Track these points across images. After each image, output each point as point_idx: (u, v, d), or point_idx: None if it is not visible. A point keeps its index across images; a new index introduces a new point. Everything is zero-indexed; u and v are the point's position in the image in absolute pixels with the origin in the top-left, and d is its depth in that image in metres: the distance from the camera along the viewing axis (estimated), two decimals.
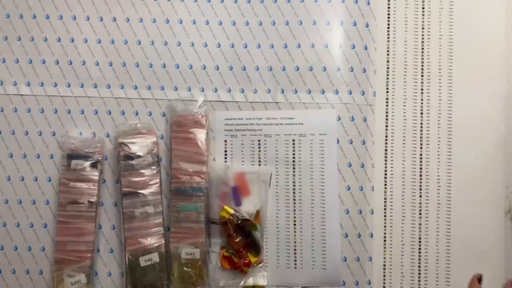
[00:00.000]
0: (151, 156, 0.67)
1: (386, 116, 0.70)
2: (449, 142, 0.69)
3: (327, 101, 0.69)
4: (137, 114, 0.70)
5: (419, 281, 0.69)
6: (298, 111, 0.69)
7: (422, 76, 0.70)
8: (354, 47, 0.70)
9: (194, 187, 0.66)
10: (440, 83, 0.70)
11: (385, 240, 0.69)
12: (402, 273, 0.69)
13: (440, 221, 0.69)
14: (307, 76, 0.70)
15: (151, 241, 0.66)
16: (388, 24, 0.70)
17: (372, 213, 0.69)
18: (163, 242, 0.66)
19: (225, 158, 0.69)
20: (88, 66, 0.70)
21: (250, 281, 0.67)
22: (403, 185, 0.69)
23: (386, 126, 0.70)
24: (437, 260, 0.69)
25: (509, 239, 0.68)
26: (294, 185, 0.69)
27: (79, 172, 0.66)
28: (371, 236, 0.69)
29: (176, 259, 0.66)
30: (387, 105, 0.70)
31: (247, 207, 0.67)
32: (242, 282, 0.67)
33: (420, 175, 0.69)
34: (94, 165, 0.66)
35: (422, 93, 0.70)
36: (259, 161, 0.69)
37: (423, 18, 0.70)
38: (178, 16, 0.70)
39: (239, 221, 0.66)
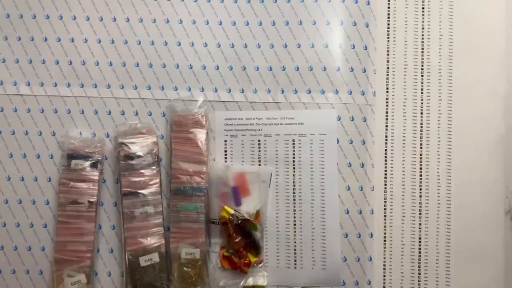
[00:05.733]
0: (151, 156, 0.67)
1: (386, 116, 0.70)
2: (449, 142, 0.69)
3: (327, 101, 0.69)
4: (137, 114, 0.70)
5: (419, 281, 0.69)
6: (298, 111, 0.69)
7: (422, 76, 0.70)
8: (354, 47, 0.70)
9: (194, 187, 0.66)
10: (440, 83, 0.70)
11: (385, 240, 0.69)
12: (402, 273, 0.69)
13: (440, 221, 0.69)
14: (307, 76, 0.70)
15: (151, 241, 0.66)
16: (388, 24, 0.70)
17: (372, 213, 0.69)
18: (163, 242, 0.66)
19: (225, 158, 0.69)
20: (88, 66, 0.70)
21: (250, 281, 0.67)
22: (403, 185, 0.69)
23: (386, 126, 0.70)
24: (437, 260, 0.69)
25: (509, 239, 0.68)
26: (294, 185, 0.69)
27: (79, 172, 0.66)
28: (371, 236, 0.69)
29: (176, 259, 0.66)
30: (387, 105, 0.70)
31: (247, 207, 0.67)
32: (242, 282, 0.67)
33: (420, 175, 0.69)
34: (94, 165, 0.66)
35: (422, 93, 0.70)
36: (259, 161, 0.69)
37: (423, 18, 0.70)
38: (178, 16, 0.70)
39: (239, 221, 0.66)
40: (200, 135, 0.67)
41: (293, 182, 0.69)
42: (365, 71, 0.70)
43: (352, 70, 0.70)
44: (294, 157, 0.69)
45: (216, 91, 0.70)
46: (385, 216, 0.69)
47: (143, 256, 0.65)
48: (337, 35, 0.70)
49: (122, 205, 0.66)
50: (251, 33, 0.70)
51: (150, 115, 0.70)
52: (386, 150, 0.70)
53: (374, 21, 0.70)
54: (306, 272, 0.68)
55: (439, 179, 0.69)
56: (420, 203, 0.69)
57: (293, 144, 0.69)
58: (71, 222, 0.65)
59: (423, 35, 0.70)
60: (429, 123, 0.69)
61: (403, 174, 0.69)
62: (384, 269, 0.69)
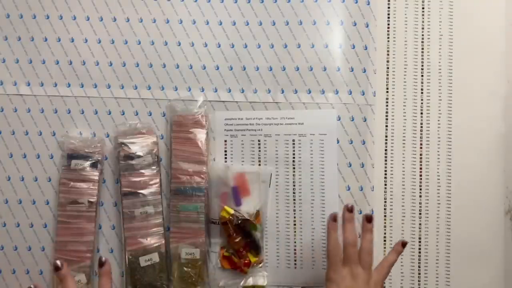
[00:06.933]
0: (151, 156, 0.67)
1: (386, 116, 0.70)
2: (449, 142, 0.69)
3: (327, 101, 0.69)
4: (137, 114, 0.70)
5: (419, 281, 0.69)
6: (298, 111, 0.69)
7: (422, 76, 0.70)
8: (354, 47, 0.70)
9: (194, 187, 0.66)
10: (440, 83, 0.70)
11: (385, 240, 0.69)
12: (402, 273, 0.69)
13: (440, 221, 0.69)
14: (307, 76, 0.70)
15: (151, 241, 0.66)
16: (388, 24, 0.70)
17: (372, 213, 0.69)
18: (163, 242, 0.66)
19: (225, 158, 0.69)
20: (88, 66, 0.70)
21: (250, 281, 0.67)
22: (403, 185, 0.69)
23: (386, 126, 0.70)
24: (437, 260, 0.69)
25: (509, 239, 0.68)
26: (294, 185, 0.69)
27: (79, 172, 0.66)
28: None
29: (176, 259, 0.66)
30: (387, 105, 0.70)
31: (247, 207, 0.67)
32: (242, 282, 0.67)
33: (420, 175, 0.69)
34: (94, 165, 0.66)
35: (422, 93, 0.70)
36: (259, 161, 0.69)
37: (423, 18, 0.70)
38: (178, 16, 0.70)
39: (239, 221, 0.66)
40: (200, 135, 0.67)
41: (293, 182, 0.69)
42: (365, 71, 0.70)
43: (352, 70, 0.70)
44: (294, 157, 0.69)
45: (216, 91, 0.70)
46: (385, 216, 0.69)
47: (143, 256, 0.65)
48: (337, 35, 0.70)
49: (122, 205, 0.66)
50: (251, 33, 0.70)
51: (150, 115, 0.70)
52: (386, 150, 0.70)
53: (374, 21, 0.70)
54: (306, 272, 0.68)
55: (439, 179, 0.69)
56: (420, 203, 0.69)
57: (293, 144, 0.69)
58: (71, 222, 0.65)
59: (423, 35, 0.70)
60: (429, 123, 0.69)
61: (403, 174, 0.69)
62: None
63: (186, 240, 0.66)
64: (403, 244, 0.59)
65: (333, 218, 0.59)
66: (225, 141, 0.69)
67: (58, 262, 0.55)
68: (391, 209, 0.69)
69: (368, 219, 0.59)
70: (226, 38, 0.70)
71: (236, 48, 0.70)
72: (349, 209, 0.59)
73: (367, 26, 0.70)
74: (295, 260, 0.69)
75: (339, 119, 0.69)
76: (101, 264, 0.56)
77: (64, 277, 0.55)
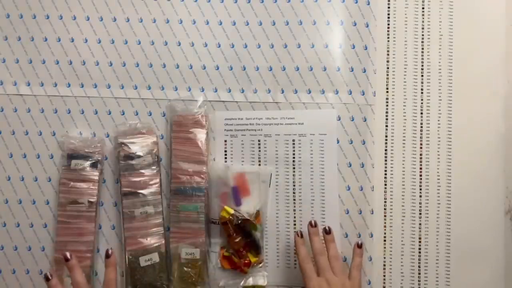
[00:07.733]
0: (151, 156, 0.67)
1: (386, 116, 0.70)
2: (449, 142, 0.69)
3: (327, 101, 0.69)
4: (137, 114, 0.70)
5: (419, 281, 0.69)
6: (298, 111, 0.69)
7: (422, 76, 0.70)
8: (354, 47, 0.70)
9: (194, 187, 0.66)
10: (440, 83, 0.70)
11: (385, 240, 0.69)
12: (402, 273, 0.69)
13: (440, 221, 0.69)
14: (307, 76, 0.70)
15: (151, 241, 0.66)
16: (388, 24, 0.70)
17: (372, 213, 0.69)
18: (163, 242, 0.66)
19: (225, 158, 0.69)
20: (88, 66, 0.70)
21: (250, 281, 0.67)
22: (403, 185, 0.69)
23: (386, 126, 0.70)
24: (437, 260, 0.69)
25: (509, 239, 0.68)
26: (294, 185, 0.69)
27: (79, 172, 0.66)
28: (371, 236, 0.69)
29: (176, 259, 0.66)
30: (387, 105, 0.70)
31: (247, 207, 0.67)
32: (242, 282, 0.67)
33: (420, 175, 0.69)
34: (94, 165, 0.66)
35: (422, 93, 0.70)
36: (259, 161, 0.69)
37: (423, 18, 0.70)
38: (178, 16, 0.70)
39: (239, 221, 0.66)
40: (200, 135, 0.67)
41: (293, 182, 0.69)
42: (365, 71, 0.70)
43: (352, 70, 0.70)
44: (294, 157, 0.69)
45: (216, 91, 0.70)
46: (385, 216, 0.69)
47: (143, 256, 0.65)
48: (337, 35, 0.70)
49: (122, 205, 0.66)
50: (251, 33, 0.70)
51: (150, 115, 0.70)
52: (386, 150, 0.70)
53: (374, 21, 0.70)
54: None
55: (439, 179, 0.69)
56: (420, 203, 0.69)
57: (293, 144, 0.69)
58: (71, 222, 0.65)
59: (423, 35, 0.70)
60: (429, 123, 0.69)
61: (403, 174, 0.69)
62: (384, 269, 0.69)
63: (186, 240, 0.66)
64: (359, 245, 0.64)
65: (299, 234, 0.64)
66: (225, 141, 0.69)
67: (68, 253, 0.59)
68: (391, 209, 0.69)
69: (327, 231, 0.64)
70: (226, 38, 0.70)
71: (236, 48, 0.70)
72: (313, 224, 0.64)
73: (367, 26, 0.70)
74: (295, 260, 0.69)
75: (339, 119, 0.69)
76: (108, 255, 0.60)
77: (72, 267, 0.58)
